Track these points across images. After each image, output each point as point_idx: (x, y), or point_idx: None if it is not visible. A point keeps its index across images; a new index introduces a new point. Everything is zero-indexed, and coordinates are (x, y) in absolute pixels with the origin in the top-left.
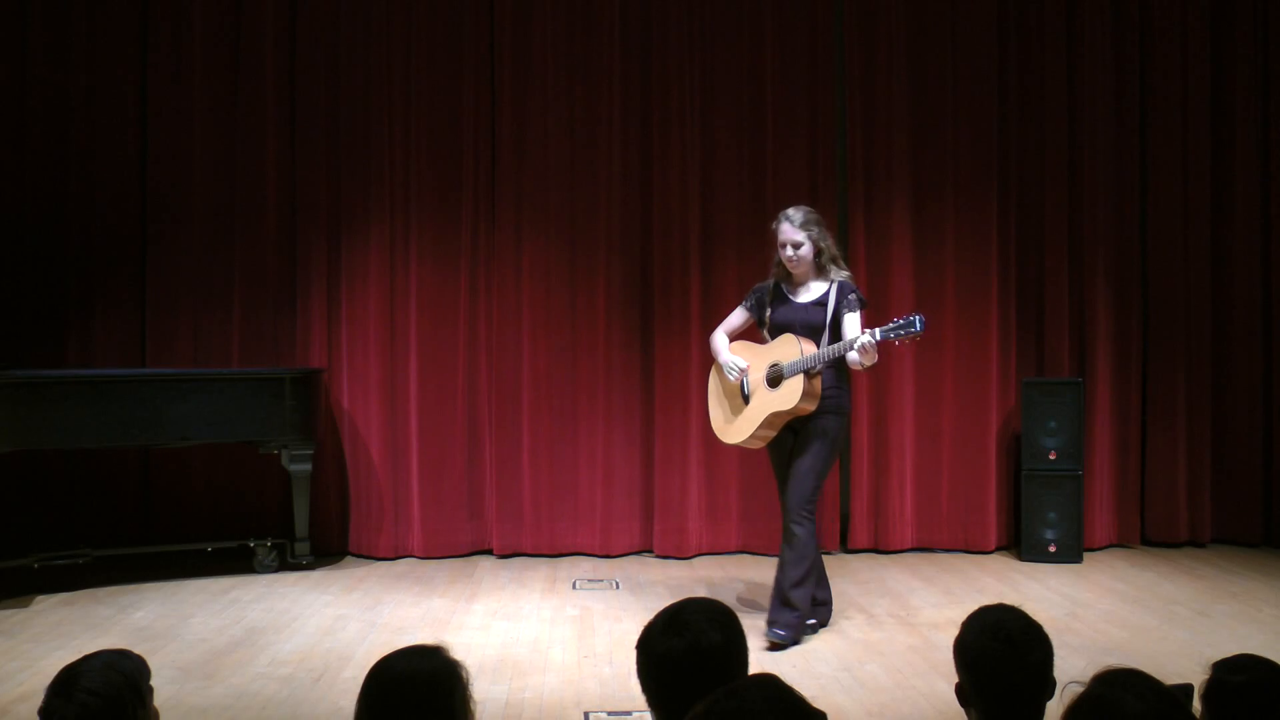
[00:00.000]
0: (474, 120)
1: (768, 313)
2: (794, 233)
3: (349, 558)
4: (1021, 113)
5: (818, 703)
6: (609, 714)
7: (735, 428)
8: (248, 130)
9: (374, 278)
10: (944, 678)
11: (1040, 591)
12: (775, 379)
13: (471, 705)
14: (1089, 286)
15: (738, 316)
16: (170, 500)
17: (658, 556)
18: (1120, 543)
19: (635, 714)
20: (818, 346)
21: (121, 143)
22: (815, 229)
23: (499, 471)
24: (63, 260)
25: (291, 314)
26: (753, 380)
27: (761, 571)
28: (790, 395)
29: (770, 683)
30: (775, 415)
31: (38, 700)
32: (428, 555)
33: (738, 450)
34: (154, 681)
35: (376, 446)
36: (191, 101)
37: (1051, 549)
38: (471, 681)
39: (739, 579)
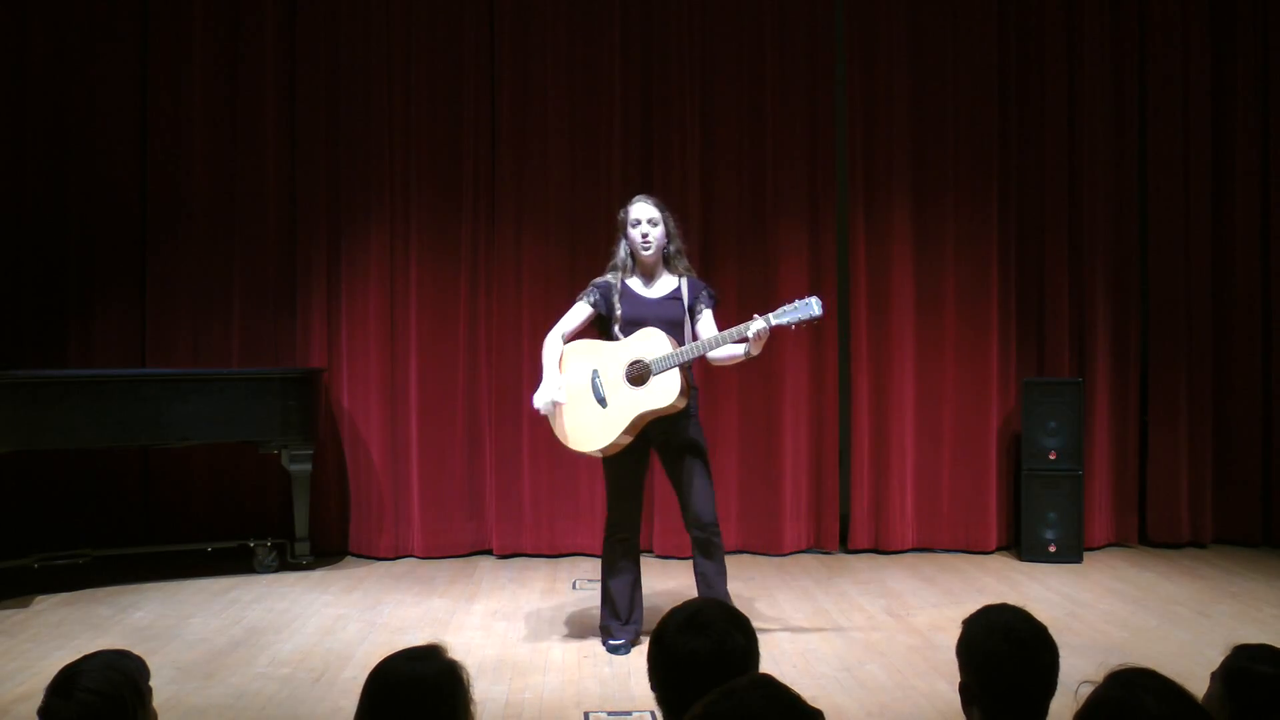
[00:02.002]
0: (474, 120)
1: (617, 310)
2: (651, 209)
3: (349, 558)
4: (1021, 113)
5: (818, 703)
6: (609, 714)
7: (591, 433)
8: (248, 131)
9: (374, 278)
10: (944, 678)
11: (1040, 591)
12: (640, 376)
13: (472, 706)
14: (1089, 286)
15: (580, 313)
16: (170, 500)
17: (658, 556)
18: (1120, 543)
19: (635, 714)
20: (680, 341)
21: (121, 144)
22: (669, 215)
23: (499, 471)
24: (63, 261)
25: (291, 314)
26: (608, 380)
27: (762, 571)
28: (666, 392)
29: (767, 683)
30: (644, 415)
31: (38, 700)
32: (428, 555)
33: (736, 451)
34: (154, 681)
35: (376, 446)
36: (191, 101)
37: (1051, 549)
38: (472, 682)
39: (738, 577)
